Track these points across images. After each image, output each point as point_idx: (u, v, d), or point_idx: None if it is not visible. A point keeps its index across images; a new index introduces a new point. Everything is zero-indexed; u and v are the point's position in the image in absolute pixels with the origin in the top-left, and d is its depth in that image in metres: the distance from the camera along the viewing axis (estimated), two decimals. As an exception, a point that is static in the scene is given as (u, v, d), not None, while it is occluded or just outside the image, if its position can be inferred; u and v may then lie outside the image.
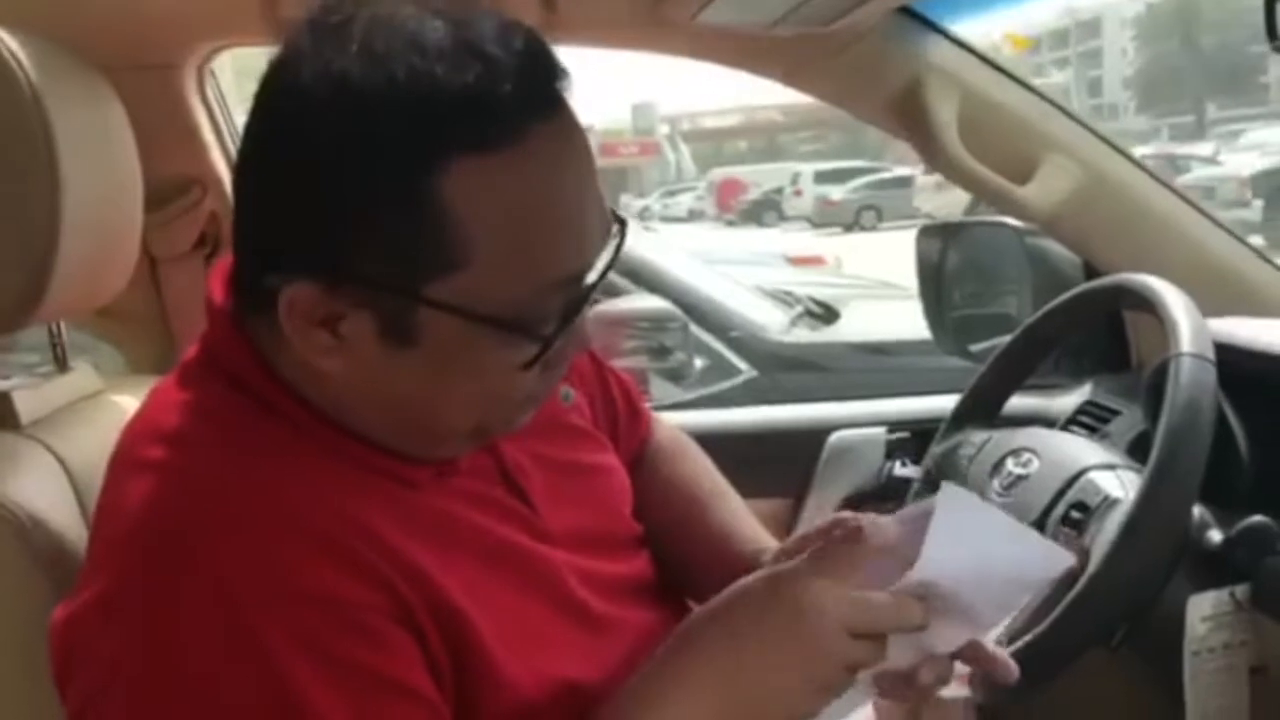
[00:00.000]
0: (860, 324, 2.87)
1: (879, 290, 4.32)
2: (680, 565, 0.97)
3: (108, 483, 0.75)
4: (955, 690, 0.89)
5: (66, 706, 0.70)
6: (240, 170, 0.73)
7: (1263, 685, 1.01)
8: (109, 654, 0.66)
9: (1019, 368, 1.28)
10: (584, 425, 0.97)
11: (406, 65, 0.65)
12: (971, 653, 0.81)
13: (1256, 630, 1.01)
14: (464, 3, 0.70)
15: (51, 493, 0.89)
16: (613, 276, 2.59)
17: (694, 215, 28.38)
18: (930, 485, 1.28)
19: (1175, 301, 1.05)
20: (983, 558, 0.74)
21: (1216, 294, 1.35)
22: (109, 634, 0.67)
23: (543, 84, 0.69)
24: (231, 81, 1.47)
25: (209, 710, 0.64)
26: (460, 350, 0.70)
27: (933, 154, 1.32)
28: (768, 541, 0.96)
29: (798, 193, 23.87)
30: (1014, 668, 0.82)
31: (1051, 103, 1.37)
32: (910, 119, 1.32)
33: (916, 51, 1.31)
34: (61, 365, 1.09)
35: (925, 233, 1.80)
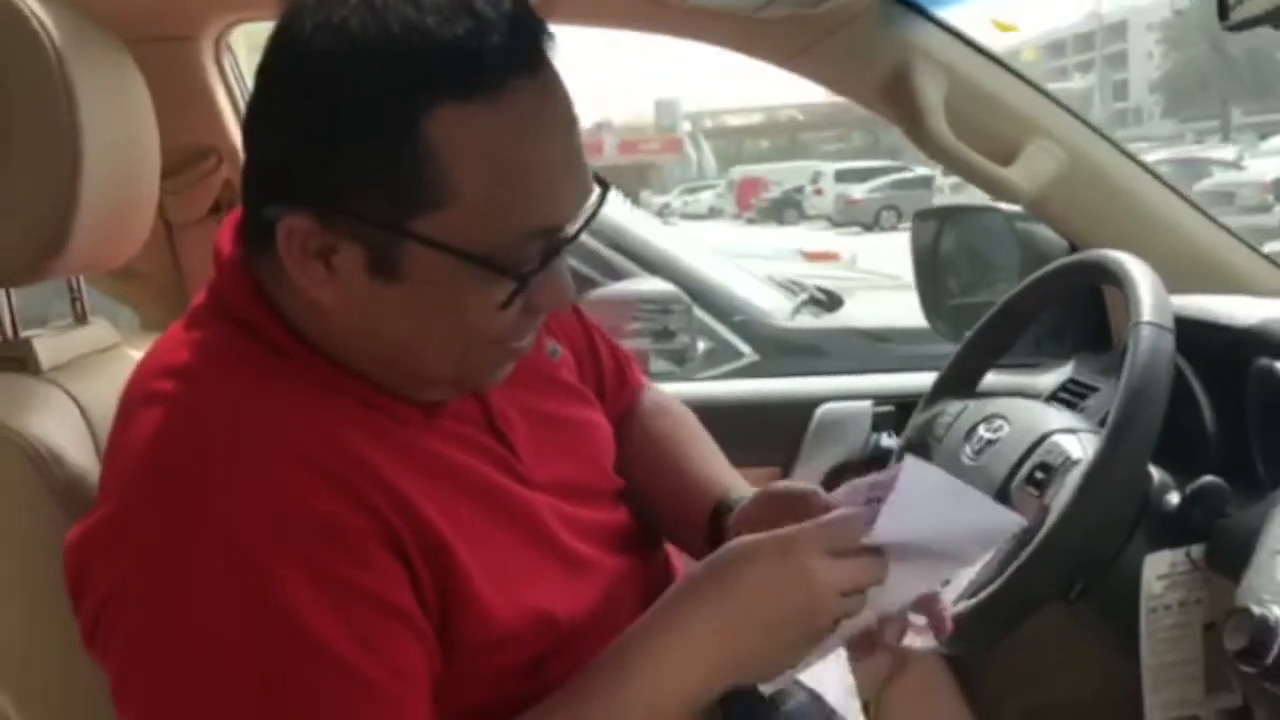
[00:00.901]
0: (863, 312, 2.91)
1: (887, 283, 4.35)
2: (659, 512, 1.02)
3: (118, 416, 0.81)
4: (923, 641, 0.95)
5: (80, 620, 0.75)
6: (249, 115, 0.79)
7: (1216, 642, 1.05)
8: (118, 571, 0.72)
9: (996, 342, 1.33)
10: (570, 380, 1.01)
11: (402, 17, 0.71)
12: (924, 604, 0.87)
13: (1211, 589, 1.05)
14: None
15: (68, 431, 0.94)
16: (619, 259, 2.62)
17: (714, 212, 28.33)
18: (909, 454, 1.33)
19: (1139, 274, 1.09)
20: (939, 522, 0.80)
21: (1195, 274, 1.39)
22: (119, 552, 0.72)
23: (528, 41, 0.74)
24: (245, 58, 1.52)
25: (209, 621, 0.69)
26: (443, 287, 0.75)
27: (920, 136, 1.36)
28: (737, 482, 1.01)
29: (818, 191, 23.79)
30: (949, 624, 0.88)
31: (1036, 88, 1.41)
32: (899, 102, 1.36)
33: (905, 36, 1.35)
34: (81, 319, 1.15)
35: (921, 217, 1.85)
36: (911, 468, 0.79)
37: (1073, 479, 1.04)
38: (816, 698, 1.07)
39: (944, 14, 1.35)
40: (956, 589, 1.07)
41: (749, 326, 2.47)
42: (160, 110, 1.10)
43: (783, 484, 0.94)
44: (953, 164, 1.37)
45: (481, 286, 0.76)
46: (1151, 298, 1.06)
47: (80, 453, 0.94)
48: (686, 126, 41.51)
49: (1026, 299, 1.29)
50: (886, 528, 0.78)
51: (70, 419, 0.96)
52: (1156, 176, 1.45)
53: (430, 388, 0.83)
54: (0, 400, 0.93)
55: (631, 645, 0.78)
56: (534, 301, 0.79)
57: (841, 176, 23.47)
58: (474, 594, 0.77)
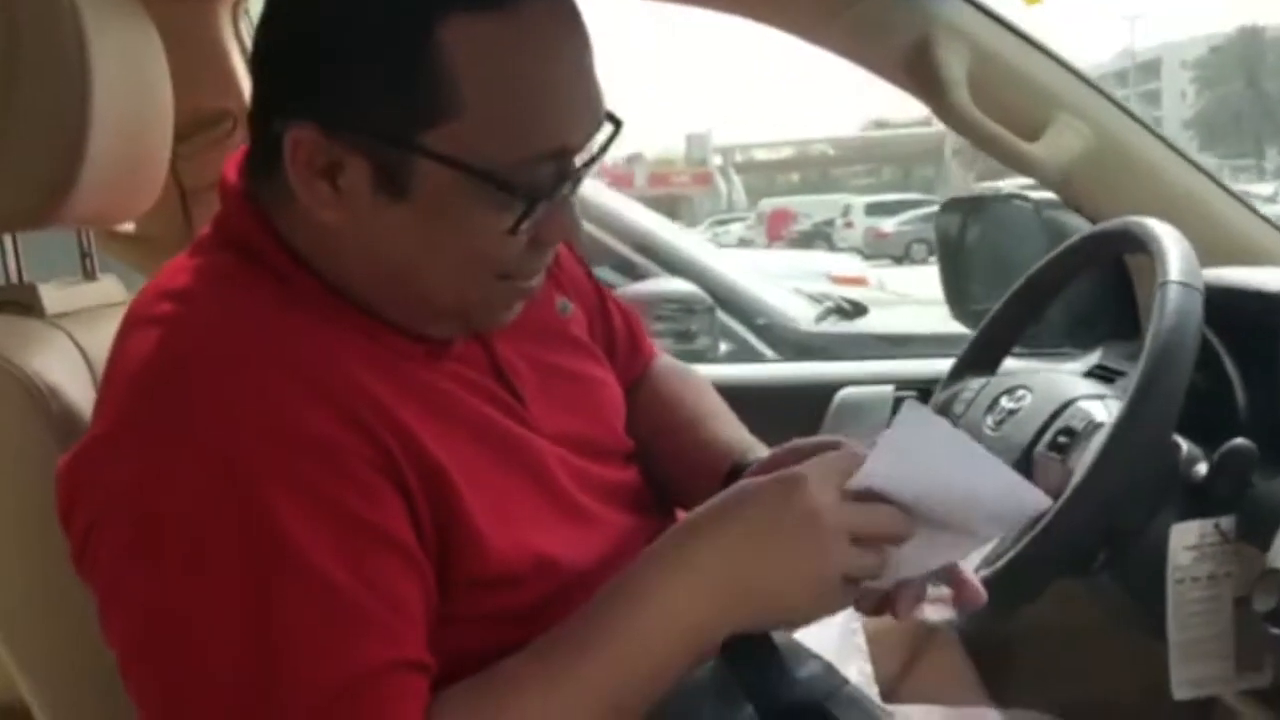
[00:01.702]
0: (887, 321, 2.89)
1: (916, 301, 4.32)
2: (670, 473, 1.00)
3: (116, 339, 0.80)
4: (940, 613, 0.91)
5: (70, 541, 0.73)
6: (258, 32, 0.79)
7: (1247, 618, 1.01)
8: (109, 484, 0.70)
9: (1019, 317, 1.29)
10: (580, 336, 0.99)
11: None
12: (946, 575, 0.83)
13: (1241, 562, 1.01)
14: None
15: (69, 370, 0.94)
16: (643, 260, 2.62)
17: (744, 244, 28.30)
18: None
19: (1166, 236, 1.06)
20: (943, 479, 0.75)
21: (1223, 254, 1.36)
22: (110, 467, 0.71)
23: None
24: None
25: (198, 539, 0.68)
26: (449, 205, 0.74)
27: (943, 110, 1.34)
28: (755, 445, 0.98)
29: (848, 224, 23.79)
30: (982, 594, 0.83)
31: (1062, 63, 1.39)
32: (921, 75, 1.34)
33: (928, 7, 1.33)
34: (89, 275, 1.14)
35: (946, 207, 1.82)
36: (911, 410, 0.75)
37: (1097, 442, 1.00)
38: (830, 668, 1.04)
39: (967, -16, 1.33)
40: (973, 560, 1.03)
41: (771, 330, 2.46)
42: (176, 71, 1.10)
43: (809, 440, 0.90)
44: (976, 138, 1.35)
45: (489, 209, 0.74)
46: (1179, 257, 1.03)
47: (79, 391, 0.93)
48: (717, 160, 41.65)
49: (1051, 272, 1.26)
50: (877, 469, 0.75)
51: (71, 360, 0.95)
52: (1184, 156, 1.42)
53: (435, 321, 0.81)
54: (2, 340, 0.93)
55: (632, 579, 0.75)
56: (541, 234, 0.78)
57: (872, 210, 23.50)
58: (471, 527, 0.75)
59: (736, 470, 0.95)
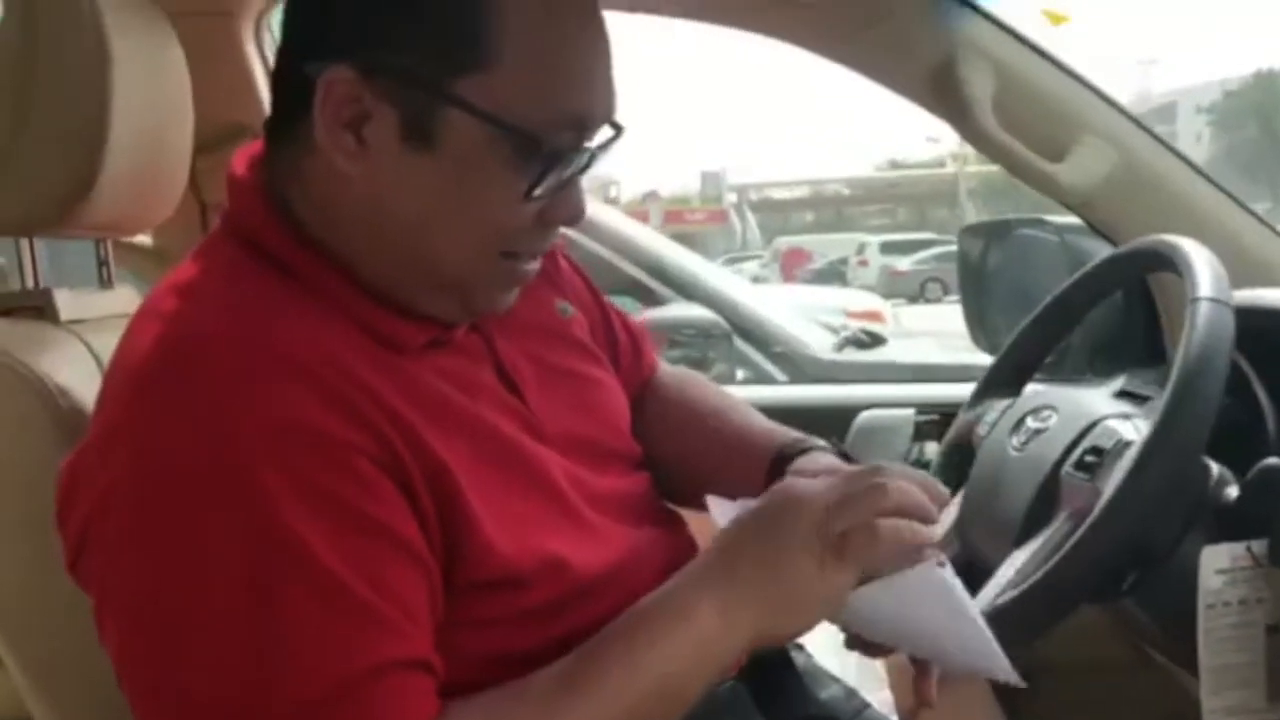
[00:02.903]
0: (904, 352, 2.87)
1: (929, 334, 4.31)
2: (700, 468, 0.98)
3: (122, 337, 0.79)
4: None
5: (66, 541, 0.72)
6: None
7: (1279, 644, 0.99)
8: (106, 481, 0.69)
9: (1045, 338, 1.27)
10: (582, 338, 0.98)
11: None
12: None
13: (1273, 588, 0.99)
14: None
15: (80, 372, 0.93)
16: (659, 287, 2.60)
17: (759, 281, 28.35)
18: (950, 458, 1.28)
19: (1195, 252, 1.04)
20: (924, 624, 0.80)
21: (1251, 278, 1.34)
22: (107, 464, 0.69)
23: None
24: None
25: (196, 537, 0.66)
26: (472, 160, 0.74)
27: (967, 128, 1.33)
28: (785, 430, 0.97)
29: (863, 263, 23.77)
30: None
31: (1087, 84, 1.38)
32: (944, 94, 1.34)
33: (950, 26, 1.32)
34: (106, 284, 1.13)
35: (968, 232, 1.81)
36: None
37: (1126, 461, 0.98)
38: (851, 691, 1.02)
39: (993, 5, 1.32)
40: (1000, 582, 1.01)
41: (789, 358, 2.44)
42: (198, 84, 1.10)
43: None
44: (1001, 159, 1.34)
45: (508, 168, 0.74)
46: (1209, 274, 1.01)
47: (91, 395, 0.91)
48: (732, 198, 41.79)
49: (1078, 292, 1.24)
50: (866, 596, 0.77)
51: (83, 362, 0.95)
52: (1210, 179, 1.40)
53: (435, 295, 0.80)
54: (14, 341, 0.92)
55: (673, 597, 0.75)
56: (550, 211, 0.78)
57: (887, 249, 23.49)
58: (476, 526, 0.74)
59: (782, 457, 0.94)
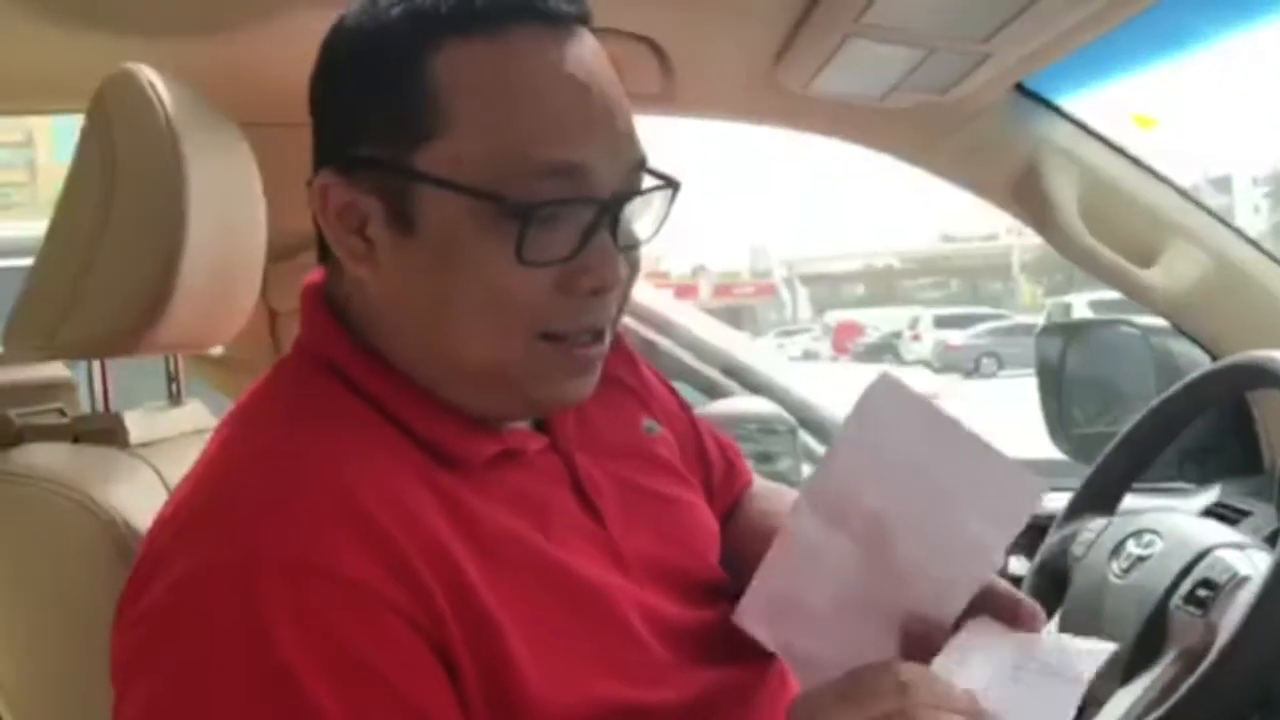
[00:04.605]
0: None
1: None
2: None
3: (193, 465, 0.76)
4: None
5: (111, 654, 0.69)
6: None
7: None
8: (145, 605, 0.66)
9: (1144, 452, 1.22)
10: (669, 458, 0.93)
11: None
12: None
13: None
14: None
15: (150, 502, 0.90)
16: (721, 379, 2.54)
17: (809, 356, 28.27)
18: (1043, 578, 1.22)
19: (1309, 374, 0.99)
20: (918, 466, 0.69)
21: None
22: (148, 591, 0.67)
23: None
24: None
25: (205, 667, 0.63)
26: (454, 235, 0.71)
27: (1051, 232, 1.30)
28: None
29: (916, 337, 23.58)
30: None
31: (1176, 189, 1.34)
32: (1029, 197, 1.30)
33: (1036, 130, 1.29)
34: (176, 400, 1.12)
35: (1045, 332, 1.76)
36: (883, 384, 0.71)
37: (1244, 597, 0.93)
38: None
39: (1077, 106, 1.29)
40: (1114, 715, 0.95)
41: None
42: (270, 194, 1.09)
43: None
44: (1089, 264, 1.30)
45: (491, 234, 0.70)
46: (1327, 398, 0.96)
47: (160, 525, 0.89)
48: (782, 271, 41.88)
49: (1176, 405, 1.19)
50: (846, 464, 0.71)
51: (152, 491, 0.93)
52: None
53: (488, 391, 0.75)
54: (84, 470, 0.90)
55: None
56: (570, 279, 0.72)
57: (941, 322, 23.30)
58: (523, 681, 0.69)
59: None
